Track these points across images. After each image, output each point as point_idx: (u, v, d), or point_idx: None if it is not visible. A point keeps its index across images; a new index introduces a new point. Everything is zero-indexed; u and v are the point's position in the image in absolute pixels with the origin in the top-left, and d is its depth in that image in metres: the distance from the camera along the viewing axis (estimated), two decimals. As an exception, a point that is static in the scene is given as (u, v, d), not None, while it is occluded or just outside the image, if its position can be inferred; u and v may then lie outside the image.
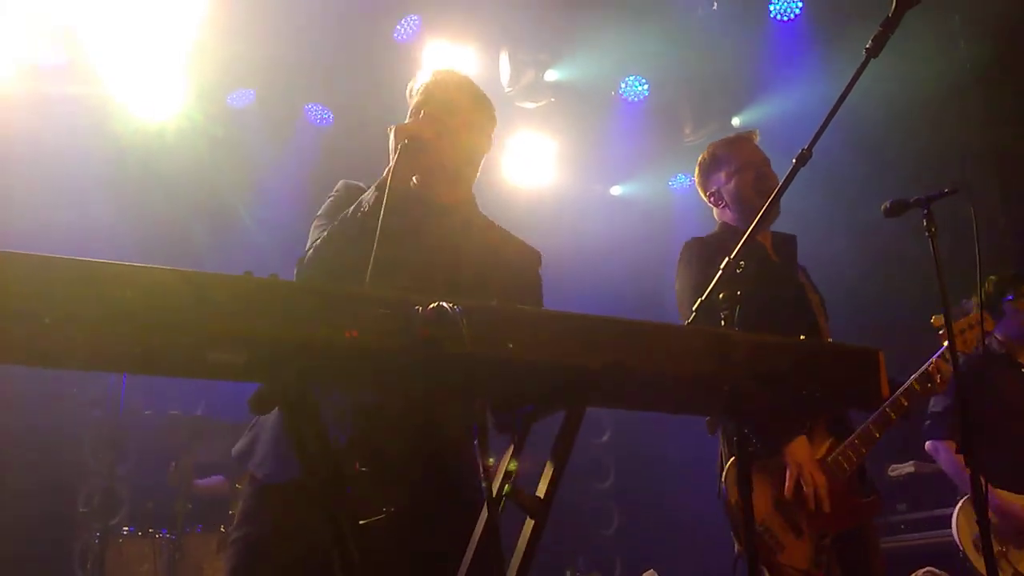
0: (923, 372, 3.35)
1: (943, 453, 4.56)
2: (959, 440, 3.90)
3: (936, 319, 3.42)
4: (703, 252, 3.34)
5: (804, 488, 3.05)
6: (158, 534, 5.26)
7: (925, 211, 3.16)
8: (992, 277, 4.63)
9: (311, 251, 2.25)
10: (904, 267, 5.46)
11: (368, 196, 2.24)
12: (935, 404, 4.54)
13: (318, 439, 1.59)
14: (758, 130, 3.56)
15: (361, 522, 1.66)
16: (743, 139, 3.54)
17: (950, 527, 4.53)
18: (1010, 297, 4.55)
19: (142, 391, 5.70)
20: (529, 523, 1.76)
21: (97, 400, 5.52)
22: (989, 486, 2.90)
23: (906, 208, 3.27)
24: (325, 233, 2.25)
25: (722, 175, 3.49)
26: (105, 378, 5.31)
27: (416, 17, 5.96)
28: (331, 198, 2.44)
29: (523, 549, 1.74)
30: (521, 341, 1.60)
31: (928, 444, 4.63)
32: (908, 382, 3.34)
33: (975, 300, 3.83)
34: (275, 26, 5.70)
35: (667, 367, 1.68)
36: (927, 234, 3.20)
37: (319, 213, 2.42)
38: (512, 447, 1.84)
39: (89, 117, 5.76)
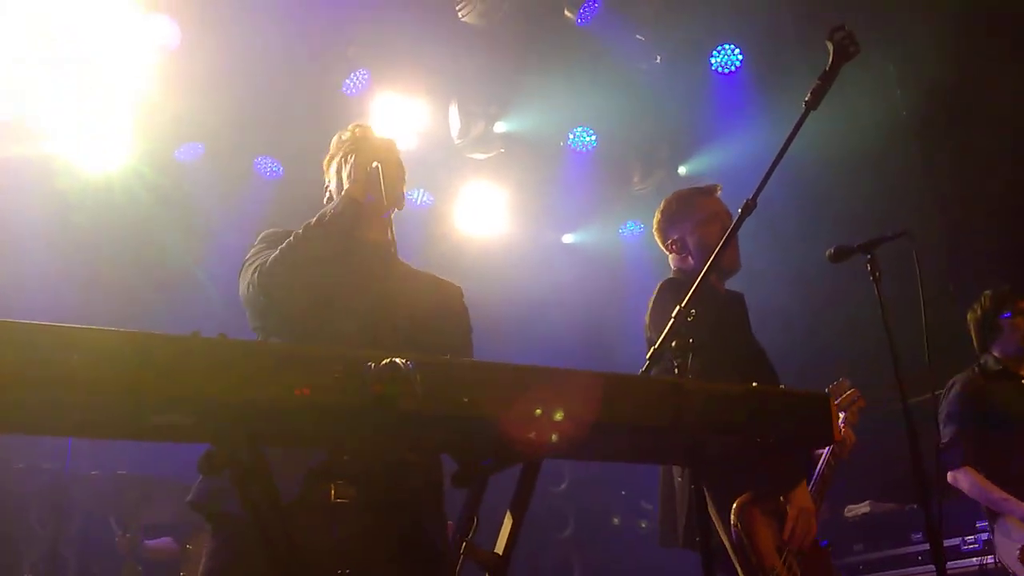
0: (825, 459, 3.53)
1: (964, 481, 4.40)
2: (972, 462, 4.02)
3: (832, 387, 3.71)
4: (679, 294, 3.18)
5: (800, 535, 3.11)
6: (106, 600, 5.08)
7: (868, 256, 3.23)
8: (987, 293, 4.62)
9: (277, 254, 2.35)
10: (849, 312, 5.56)
11: (330, 208, 2.46)
12: (943, 435, 4.43)
13: (270, 502, 1.56)
14: (720, 185, 3.62)
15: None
16: (709, 191, 3.60)
17: (907, 566, 4.56)
18: (1007, 315, 4.51)
19: (87, 452, 5.54)
20: (488, 579, 1.74)
21: (41, 462, 5.34)
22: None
23: (850, 254, 3.34)
24: (288, 241, 2.38)
25: (688, 224, 3.54)
26: (50, 440, 5.16)
27: (365, 71, 5.99)
28: (253, 250, 2.54)
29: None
30: (476, 395, 1.59)
31: (948, 476, 4.43)
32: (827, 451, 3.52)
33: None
34: (224, 79, 5.68)
35: (624, 417, 1.69)
36: (871, 279, 3.27)
37: (242, 266, 2.50)
38: (469, 502, 1.82)
39: (33, 174, 5.66)
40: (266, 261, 2.36)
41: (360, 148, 2.62)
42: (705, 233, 3.48)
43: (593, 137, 6.80)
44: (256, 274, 2.35)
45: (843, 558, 5.33)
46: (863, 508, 5.61)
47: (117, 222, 5.88)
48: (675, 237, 3.59)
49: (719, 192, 3.59)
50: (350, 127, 2.79)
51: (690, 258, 3.54)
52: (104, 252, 5.89)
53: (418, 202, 6.94)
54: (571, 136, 6.80)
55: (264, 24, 5.53)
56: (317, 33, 5.72)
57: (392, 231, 2.58)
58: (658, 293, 3.47)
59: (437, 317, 2.44)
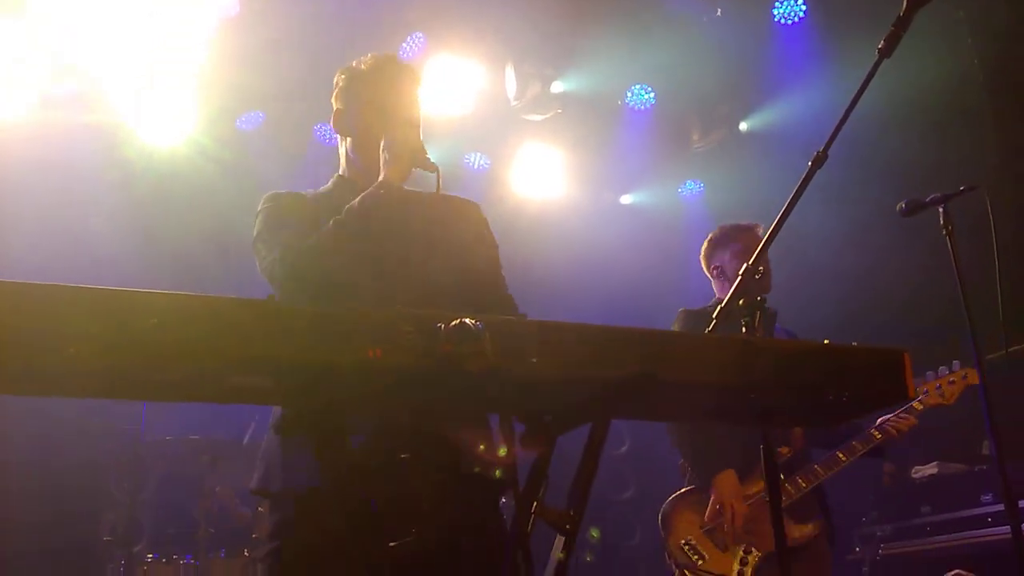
0: (880, 427, 3.86)
1: None
2: None
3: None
4: (690, 322, 3.84)
5: (724, 515, 3.72)
6: (182, 560, 5.24)
7: (942, 209, 3.14)
8: None
9: (307, 248, 2.25)
10: (918, 268, 5.43)
11: (370, 198, 2.32)
12: None
13: (345, 461, 1.59)
14: (761, 224, 3.96)
15: (391, 544, 1.65)
16: (752, 228, 3.98)
17: (976, 528, 4.48)
18: None
19: (162, 417, 5.71)
20: (560, 539, 1.75)
21: (118, 428, 5.52)
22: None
23: (923, 208, 3.26)
24: (322, 232, 2.28)
25: (727, 254, 3.97)
26: (126, 406, 5.32)
27: (421, 35, 5.98)
28: (263, 212, 2.46)
29: (555, 563, 1.73)
30: (544, 355, 1.59)
31: None
32: (866, 433, 3.85)
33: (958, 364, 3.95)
34: (283, 47, 5.72)
35: (693, 377, 1.68)
36: (944, 232, 3.19)
37: (258, 231, 2.43)
38: (539, 463, 1.83)
39: (99, 145, 5.79)
40: (287, 255, 2.25)
41: (385, 105, 2.49)
42: (742, 263, 3.58)
43: (651, 95, 6.70)
44: (279, 268, 2.25)
45: (909, 520, 5.26)
46: (930, 469, 5.51)
47: (180, 191, 5.99)
48: (717, 264, 4.02)
49: (759, 231, 3.94)
50: (368, 58, 2.61)
51: (727, 284, 3.85)
52: (167, 220, 6.01)
53: (475, 166, 6.93)
54: (629, 94, 6.70)
55: (320, -11, 5.55)
56: (373, -3, 5.72)
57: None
58: (675, 320, 3.95)
59: (466, 243, 2.45)
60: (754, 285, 2.21)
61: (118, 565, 5.19)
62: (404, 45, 6.01)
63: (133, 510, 5.33)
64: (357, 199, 2.33)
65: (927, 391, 3.92)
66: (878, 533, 5.34)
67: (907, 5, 2.11)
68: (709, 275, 4.09)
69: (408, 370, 1.52)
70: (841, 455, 3.83)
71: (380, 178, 2.36)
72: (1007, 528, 2.99)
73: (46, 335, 1.36)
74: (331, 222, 2.29)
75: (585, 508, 1.75)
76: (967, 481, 5.01)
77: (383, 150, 2.40)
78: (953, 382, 3.93)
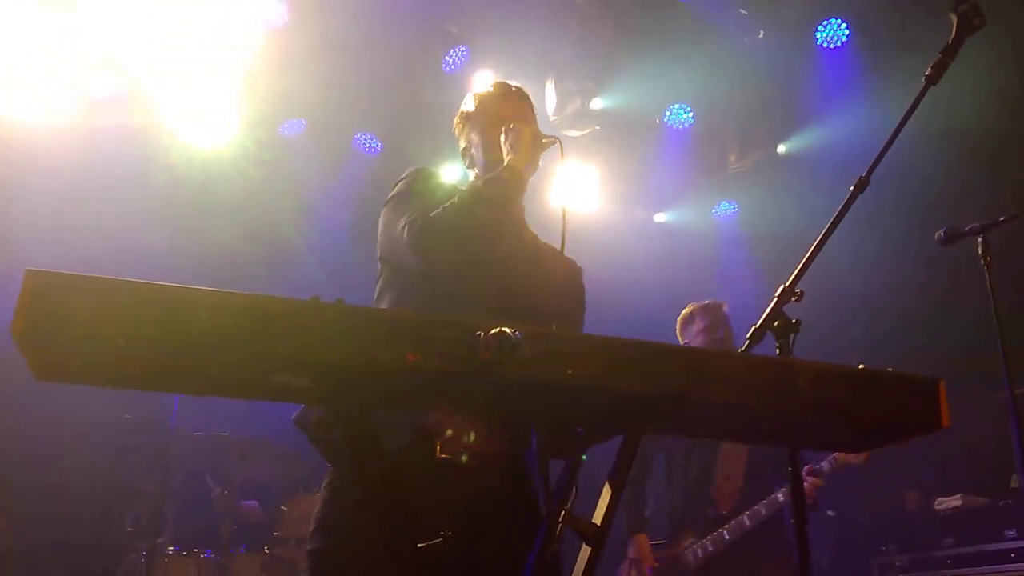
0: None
1: None
2: None
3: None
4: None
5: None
6: (203, 554, 5.29)
7: (981, 239, 3.12)
8: None
9: (431, 220, 2.32)
10: (954, 296, 5.38)
11: (493, 179, 2.41)
12: None
13: (378, 462, 1.61)
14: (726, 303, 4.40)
15: (420, 545, 1.67)
16: (715, 306, 4.37)
17: (999, 563, 4.42)
18: None
19: (190, 412, 5.79)
20: (586, 550, 1.77)
21: (148, 421, 5.60)
22: None
23: (962, 237, 3.24)
24: (445, 208, 2.34)
25: (693, 331, 4.34)
26: (156, 400, 5.39)
27: (464, 48, 6.03)
28: (403, 180, 2.53)
29: (581, 573, 1.74)
30: (580, 367, 1.61)
31: None
32: (772, 497, 4.05)
33: None
34: (326, 57, 5.80)
35: (727, 395, 1.68)
36: (983, 262, 3.16)
37: (392, 196, 2.49)
38: (569, 472, 1.84)
39: (144, 147, 5.90)
40: (417, 221, 2.32)
41: (511, 114, 2.57)
42: (706, 341, 4.28)
43: (690, 114, 6.70)
44: (407, 231, 2.32)
45: (931, 552, 5.19)
46: (954, 502, 5.44)
47: (223, 194, 6.09)
48: (685, 341, 4.36)
49: (725, 308, 4.38)
50: (492, 85, 2.72)
51: None
52: (210, 221, 6.11)
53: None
54: (668, 113, 6.70)
55: (366, 1, 5.61)
56: (417, 10, 5.78)
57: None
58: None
59: (562, 294, 2.45)
60: (789, 306, 2.20)
61: (139, 556, 5.25)
62: (447, 58, 6.07)
63: (158, 503, 5.39)
64: (482, 179, 2.42)
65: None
66: (896, 563, 5.28)
67: (956, 33, 2.11)
68: None
69: (446, 376, 1.54)
70: (746, 519, 4.06)
71: (504, 164, 2.43)
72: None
73: (96, 326, 1.40)
74: (456, 197, 2.36)
75: (613, 519, 1.76)
76: (991, 515, 4.94)
77: (504, 141, 2.47)
78: None
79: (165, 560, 5.31)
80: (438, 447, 1.92)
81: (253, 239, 6.20)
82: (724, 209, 7.47)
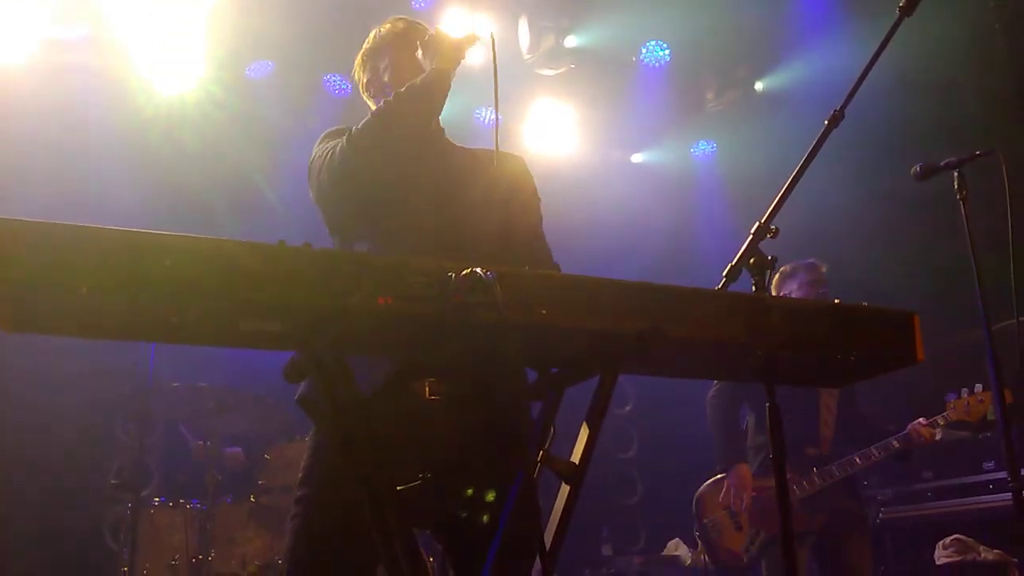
0: (905, 434, 4.25)
1: None
2: None
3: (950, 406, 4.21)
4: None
5: (734, 501, 4.39)
6: (189, 504, 5.30)
7: (956, 173, 3.11)
8: None
9: (363, 124, 2.28)
10: (930, 233, 5.40)
11: (419, 80, 2.33)
12: None
13: (355, 404, 1.60)
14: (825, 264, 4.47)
15: (399, 488, 1.67)
16: (817, 266, 4.43)
17: (978, 494, 4.52)
18: None
19: (169, 363, 5.75)
20: (565, 488, 1.77)
21: (125, 374, 5.56)
22: None
23: (937, 171, 3.23)
24: (373, 111, 2.31)
25: (795, 285, 4.33)
26: (133, 352, 5.35)
27: (434, -14, 5.91)
28: (321, 139, 2.46)
29: (560, 513, 1.75)
30: (554, 307, 1.60)
31: None
32: (886, 441, 4.27)
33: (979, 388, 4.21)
34: (292, -3, 5.67)
35: (701, 332, 1.68)
36: (958, 197, 3.16)
37: (313, 155, 2.42)
38: (546, 413, 1.84)
39: (110, 89, 5.77)
40: (337, 146, 2.27)
41: (419, 37, 2.49)
42: (809, 294, 4.35)
43: (667, 51, 6.61)
44: (335, 154, 2.26)
45: (912, 485, 5.29)
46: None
47: (190, 138, 5.97)
48: (784, 293, 4.31)
49: (824, 270, 4.45)
50: (390, 20, 2.63)
51: None
52: (178, 167, 6.01)
53: (486, 120, 6.88)
54: (643, 51, 6.61)
55: (333, -62, 5.47)
56: (386, -54, 5.64)
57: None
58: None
59: (509, 193, 2.41)
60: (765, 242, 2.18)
61: (124, 508, 5.26)
62: (415, -2, 5.94)
63: (140, 454, 5.38)
64: (404, 86, 2.32)
65: (955, 407, 4.24)
66: (879, 496, 5.38)
67: (931, -38, 2.07)
68: None
69: (418, 318, 1.52)
70: (857, 459, 4.27)
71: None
72: (1009, 495, 3.00)
73: (60, 273, 1.37)
74: (376, 107, 2.31)
75: (591, 459, 1.77)
76: (970, 448, 5.03)
77: (422, 57, 2.41)
78: (982, 400, 4.18)
79: (151, 511, 5.32)
80: (427, 388, 1.90)
81: (220, 185, 6.11)
82: (703, 148, 7.44)
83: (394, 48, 2.54)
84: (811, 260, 4.50)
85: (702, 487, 4.66)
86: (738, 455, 4.44)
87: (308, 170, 2.41)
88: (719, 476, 4.55)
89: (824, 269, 4.46)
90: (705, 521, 4.57)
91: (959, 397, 4.25)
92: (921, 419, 4.27)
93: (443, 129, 2.55)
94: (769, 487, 4.28)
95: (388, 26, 2.61)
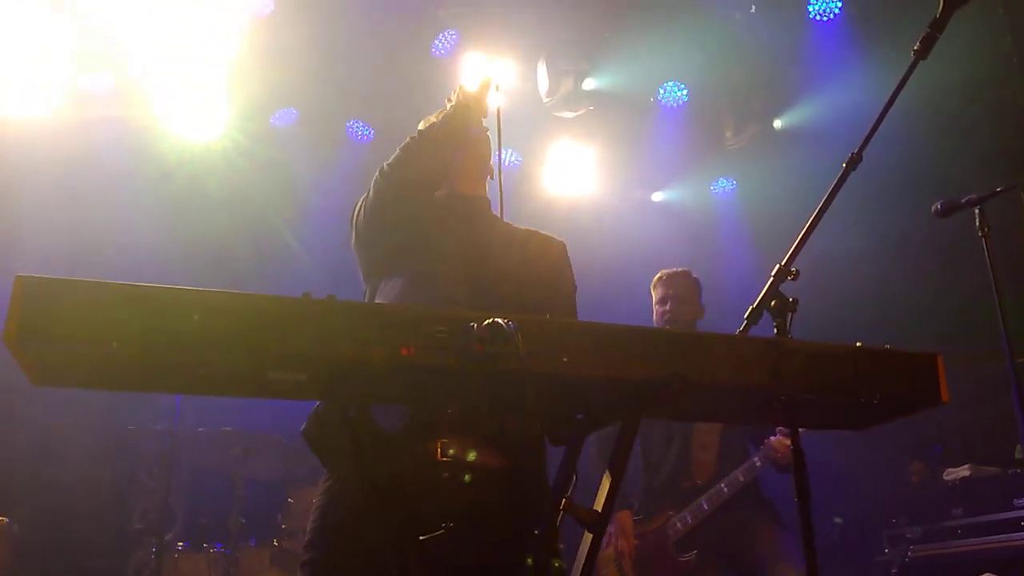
0: (762, 452, 4.08)
1: None
2: None
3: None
4: None
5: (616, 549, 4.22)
6: (212, 548, 5.31)
7: (978, 210, 3.11)
8: None
9: (390, 160, 2.44)
10: (953, 270, 5.36)
11: (436, 115, 2.55)
12: None
13: (378, 455, 1.61)
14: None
15: (421, 538, 1.67)
16: (671, 278, 4.48)
17: (1009, 531, 4.43)
18: None
19: (194, 408, 5.79)
20: (587, 536, 1.77)
21: (151, 421, 5.61)
22: None
23: (958, 208, 3.23)
24: (399, 148, 2.45)
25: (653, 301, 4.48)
26: (159, 397, 5.40)
27: (454, 32, 5.99)
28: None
29: (583, 562, 1.74)
30: (575, 355, 1.61)
31: None
32: (748, 462, 4.10)
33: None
34: (315, 45, 5.76)
35: (723, 378, 1.68)
36: (980, 234, 3.15)
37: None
38: (568, 459, 1.84)
39: (135, 139, 5.87)
40: (368, 191, 2.42)
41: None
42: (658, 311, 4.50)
43: (684, 91, 6.66)
44: (369, 193, 2.41)
45: (940, 522, 5.21)
46: (963, 472, 5.45)
47: (214, 187, 6.06)
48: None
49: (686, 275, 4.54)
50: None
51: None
52: (201, 215, 6.09)
53: (506, 163, 6.92)
54: (661, 91, 6.66)
55: (353, -13, 5.58)
56: (405, -5, 5.76)
57: (486, 187, 2.61)
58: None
59: (543, 276, 2.43)
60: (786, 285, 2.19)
61: (149, 552, 5.27)
62: (436, 42, 6.03)
63: (165, 498, 5.41)
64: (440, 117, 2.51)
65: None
66: (908, 535, 5.29)
67: (943, 6, 2.09)
68: None
69: (441, 368, 1.54)
70: (724, 487, 4.11)
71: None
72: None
73: (88, 330, 1.40)
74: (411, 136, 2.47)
75: (614, 506, 1.76)
76: (1000, 484, 4.95)
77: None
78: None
79: (175, 555, 5.33)
80: (437, 450, 1.92)
81: (244, 233, 6.18)
82: (722, 186, 7.45)
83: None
84: (672, 272, 4.48)
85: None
86: (621, 502, 4.28)
87: (349, 221, 2.51)
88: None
89: (684, 280, 4.43)
90: (605, 569, 4.34)
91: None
92: (779, 433, 4.09)
93: (490, 201, 2.62)
94: (651, 531, 4.23)
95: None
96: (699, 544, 4.13)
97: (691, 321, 4.36)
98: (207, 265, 5.95)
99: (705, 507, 4.13)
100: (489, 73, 2.60)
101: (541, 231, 2.60)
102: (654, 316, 4.43)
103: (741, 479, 4.10)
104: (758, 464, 4.09)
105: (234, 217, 6.15)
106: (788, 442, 3.72)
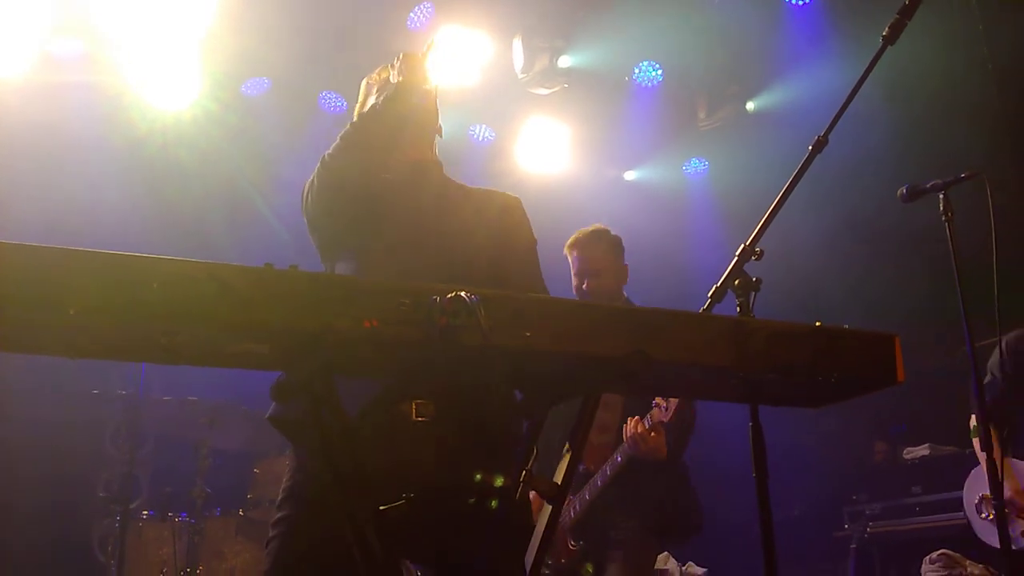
0: (622, 446, 3.59)
1: None
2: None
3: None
4: None
5: None
6: (177, 518, 5.31)
7: (942, 195, 3.15)
8: None
9: (334, 143, 2.40)
10: (916, 254, 5.44)
11: (380, 97, 2.45)
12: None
13: (341, 427, 1.62)
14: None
15: (381, 508, 1.68)
16: (584, 240, 4.01)
17: (963, 510, 4.53)
18: None
19: (160, 378, 5.75)
20: (547, 508, 1.79)
21: (116, 388, 5.57)
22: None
23: (923, 193, 3.27)
24: (343, 130, 2.41)
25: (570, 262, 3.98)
26: (124, 365, 5.36)
27: (429, 4, 5.94)
28: None
29: (541, 533, 1.77)
30: (538, 330, 1.62)
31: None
32: (611, 458, 3.64)
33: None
34: (289, 15, 5.70)
35: (686, 356, 1.70)
36: (944, 219, 3.20)
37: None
38: (530, 433, 1.86)
39: (105, 106, 5.79)
40: (319, 162, 2.39)
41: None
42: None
43: (659, 71, 6.66)
44: (313, 178, 2.39)
45: (899, 499, 5.31)
46: (922, 451, 5.57)
47: (185, 155, 6.00)
48: None
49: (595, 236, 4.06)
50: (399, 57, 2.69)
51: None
52: (172, 185, 6.03)
53: (480, 139, 6.92)
54: (636, 70, 6.65)
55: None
56: (381, -34, 5.70)
57: (434, 149, 2.58)
58: None
59: (498, 233, 2.43)
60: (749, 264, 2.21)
61: (113, 521, 5.26)
62: (412, 15, 5.98)
63: (130, 468, 5.38)
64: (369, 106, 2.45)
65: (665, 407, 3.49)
66: (867, 511, 5.40)
67: (913, -8, 2.11)
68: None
69: (404, 341, 1.54)
70: (599, 480, 3.68)
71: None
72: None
73: (48, 296, 1.39)
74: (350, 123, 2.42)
75: (573, 477, 1.79)
76: (958, 463, 5.06)
77: (393, 75, 2.50)
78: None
79: (139, 524, 5.33)
80: (410, 411, 1.92)
81: (216, 201, 6.13)
82: (695, 166, 7.48)
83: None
84: (585, 237, 4.02)
85: None
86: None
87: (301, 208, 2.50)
88: None
89: (597, 249, 3.95)
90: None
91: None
92: (655, 406, 3.52)
93: (440, 163, 2.59)
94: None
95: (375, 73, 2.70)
96: (587, 535, 3.76)
97: (615, 290, 3.95)
98: (178, 234, 5.91)
99: (587, 496, 3.73)
100: (433, 39, 2.54)
101: (496, 190, 2.57)
102: (573, 287, 3.93)
103: (608, 472, 3.66)
104: (619, 461, 3.62)
105: (206, 185, 6.09)
106: (655, 433, 3.49)
